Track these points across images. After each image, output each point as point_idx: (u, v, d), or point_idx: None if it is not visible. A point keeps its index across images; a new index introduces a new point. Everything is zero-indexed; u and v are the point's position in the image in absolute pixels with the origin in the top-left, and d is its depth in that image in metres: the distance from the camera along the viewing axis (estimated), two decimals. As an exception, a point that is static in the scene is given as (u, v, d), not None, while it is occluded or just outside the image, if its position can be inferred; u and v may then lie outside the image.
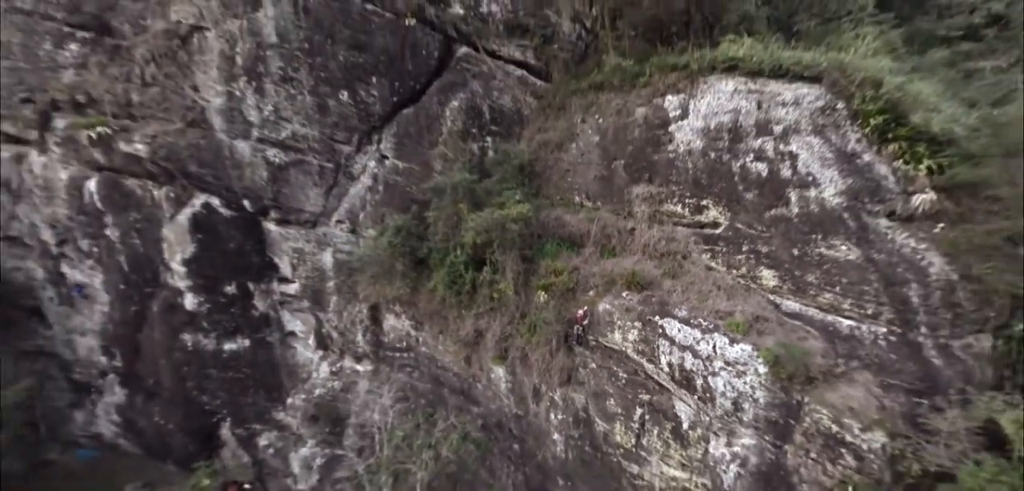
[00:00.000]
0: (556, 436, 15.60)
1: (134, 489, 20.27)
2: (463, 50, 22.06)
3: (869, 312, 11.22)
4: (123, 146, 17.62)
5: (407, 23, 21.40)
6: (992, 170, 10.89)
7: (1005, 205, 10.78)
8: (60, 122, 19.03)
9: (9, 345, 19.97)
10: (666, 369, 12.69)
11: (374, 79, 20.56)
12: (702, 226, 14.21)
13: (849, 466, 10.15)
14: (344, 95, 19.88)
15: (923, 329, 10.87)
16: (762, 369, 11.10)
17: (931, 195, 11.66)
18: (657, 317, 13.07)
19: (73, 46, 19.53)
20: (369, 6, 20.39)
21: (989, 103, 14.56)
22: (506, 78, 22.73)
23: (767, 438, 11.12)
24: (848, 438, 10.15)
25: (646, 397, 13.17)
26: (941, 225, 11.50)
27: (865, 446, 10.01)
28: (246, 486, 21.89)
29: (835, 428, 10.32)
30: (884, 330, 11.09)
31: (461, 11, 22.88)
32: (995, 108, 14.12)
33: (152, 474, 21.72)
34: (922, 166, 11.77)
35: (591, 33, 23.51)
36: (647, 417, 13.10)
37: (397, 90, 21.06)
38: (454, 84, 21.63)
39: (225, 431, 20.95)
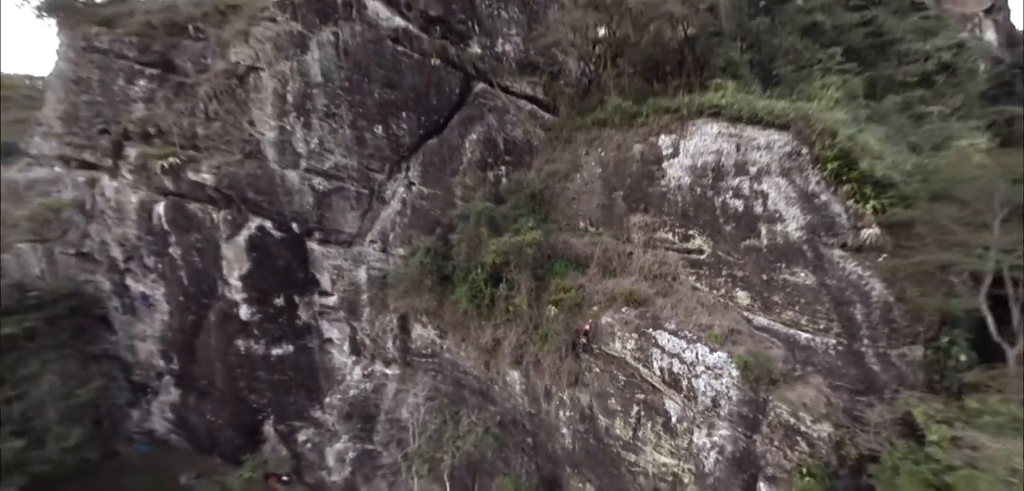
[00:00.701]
0: (564, 430, 18.01)
1: (189, 479, 22.74)
2: (480, 86, 24.77)
3: (822, 327, 13.68)
4: (191, 175, 20.26)
5: (433, 62, 24.16)
6: (921, 211, 13.37)
7: (933, 240, 13.24)
8: (131, 151, 21.73)
9: (79, 350, 22.54)
10: (658, 373, 15.11)
11: (404, 114, 23.22)
12: (689, 252, 16.68)
13: (804, 451, 12.55)
14: (378, 129, 22.51)
15: (865, 341, 13.32)
16: (735, 373, 13.53)
17: (876, 230, 14.13)
18: (651, 329, 15.52)
19: (143, 82, 22.35)
20: (400, 48, 23.10)
21: (930, 147, 17.11)
22: (518, 112, 25.39)
23: (739, 429, 13.52)
24: (803, 428, 12.56)
25: (641, 396, 15.59)
26: (883, 255, 13.95)
27: (816, 434, 12.42)
28: (284, 478, 24.31)
29: (793, 420, 12.73)
30: (834, 341, 13.54)
31: (479, 50, 25.71)
32: (936, 151, 16.67)
33: (200, 466, 24.19)
34: (869, 206, 14.23)
35: (594, 70, 26.20)
36: (642, 413, 15.51)
37: (423, 123, 23.72)
38: (472, 117, 24.28)
39: (268, 427, 23.43)
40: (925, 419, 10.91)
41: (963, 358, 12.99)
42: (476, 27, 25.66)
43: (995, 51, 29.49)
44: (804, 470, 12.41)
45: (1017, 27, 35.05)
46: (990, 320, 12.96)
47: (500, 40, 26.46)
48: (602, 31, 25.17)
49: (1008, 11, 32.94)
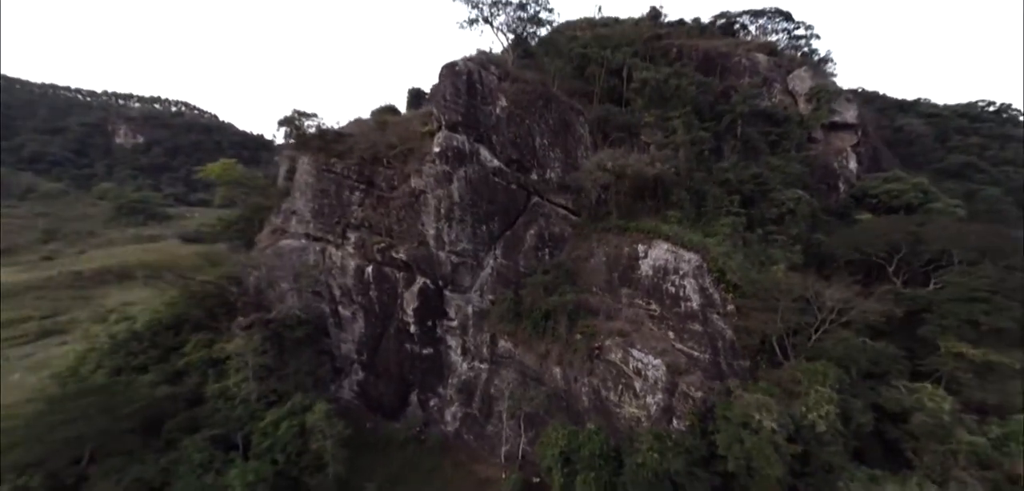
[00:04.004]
0: (584, 398, 32.78)
1: (374, 423, 37.93)
2: (535, 199, 40.32)
3: (703, 349, 28.61)
4: (393, 254, 35.84)
5: (511, 186, 39.90)
6: (750, 301, 28.50)
7: (754, 315, 28.31)
8: (352, 235, 37.43)
9: (313, 348, 37.96)
10: (632, 369, 30.05)
11: (495, 218, 38.65)
12: (649, 311, 31.85)
13: (691, 405, 27.34)
14: (483, 227, 37.89)
15: (722, 357, 28.30)
16: (664, 369, 28.44)
17: (733, 307, 29.27)
18: (629, 348, 30.44)
19: (358, 193, 38.07)
20: (496, 179, 38.55)
21: (772, 264, 32.34)
22: (556, 216, 40.93)
23: (666, 395, 28.27)
24: (691, 394, 27.35)
25: (624, 381, 30.46)
26: (736, 319, 29.06)
27: (697, 397, 27.21)
28: (417, 429, 39.31)
29: (688, 391, 27.56)
30: (708, 357, 28.46)
31: (536, 177, 41.53)
32: (773, 265, 31.88)
33: (371, 420, 39.33)
34: (730, 295, 29.45)
35: (604, 189, 41.75)
36: (623, 388, 30.40)
37: (504, 223, 39.18)
38: (530, 220, 39.75)
39: (412, 397, 38.62)
40: (731, 387, 25.94)
41: (764, 366, 28.03)
42: (535, 162, 41.42)
43: (852, 176, 44.42)
44: (692, 412, 27.33)
45: (886, 154, 49.97)
46: (778, 350, 28.02)
47: (548, 170, 42.20)
48: (610, 164, 40.87)
49: (871, 144, 47.76)
